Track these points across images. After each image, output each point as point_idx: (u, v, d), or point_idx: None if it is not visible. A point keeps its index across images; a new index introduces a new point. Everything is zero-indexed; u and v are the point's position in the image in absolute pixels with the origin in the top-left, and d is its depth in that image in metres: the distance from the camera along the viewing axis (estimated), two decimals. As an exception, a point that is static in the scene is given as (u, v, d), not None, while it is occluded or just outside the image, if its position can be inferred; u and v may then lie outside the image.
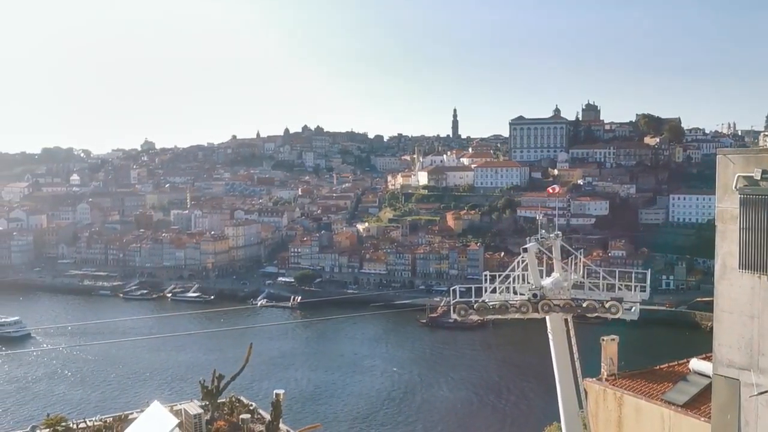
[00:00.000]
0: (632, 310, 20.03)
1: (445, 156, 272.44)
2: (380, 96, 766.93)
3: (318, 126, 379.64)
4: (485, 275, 21.36)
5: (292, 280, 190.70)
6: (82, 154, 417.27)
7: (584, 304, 19.96)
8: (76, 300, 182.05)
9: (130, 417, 22.93)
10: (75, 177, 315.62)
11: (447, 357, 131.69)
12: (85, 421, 23.18)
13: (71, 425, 22.46)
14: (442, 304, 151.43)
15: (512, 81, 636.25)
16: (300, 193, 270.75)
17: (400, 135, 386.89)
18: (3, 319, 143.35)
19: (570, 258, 22.21)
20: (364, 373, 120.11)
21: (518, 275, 20.94)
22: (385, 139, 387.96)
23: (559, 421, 22.56)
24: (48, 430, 22.03)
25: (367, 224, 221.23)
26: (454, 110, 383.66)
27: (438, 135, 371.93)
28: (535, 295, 20.28)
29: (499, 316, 20.63)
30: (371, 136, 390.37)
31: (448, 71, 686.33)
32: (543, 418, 30.36)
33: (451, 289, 22.29)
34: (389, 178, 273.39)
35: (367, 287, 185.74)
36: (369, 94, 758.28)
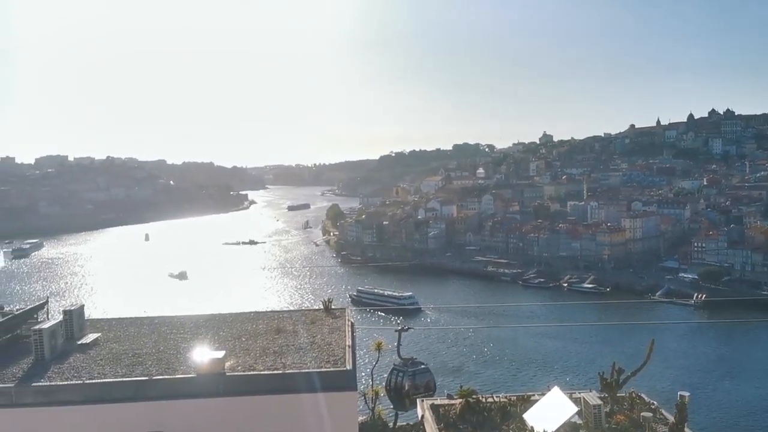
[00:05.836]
0: None
1: None
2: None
3: (728, 109, 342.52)
4: None
5: (695, 276, 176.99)
6: (486, 149, 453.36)
7: None
8: (478, 284, 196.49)
9: (532, 398, 24.37)
10: (480, 170, 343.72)
11: None
12: (492, 396, 25.35)
13: (480, 398, 24.78)
14: None
15: None
16: (705, 183, 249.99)
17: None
18: (399, 294, 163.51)
19: None
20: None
21: None
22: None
23: None
24: (461, 399, 24.70)
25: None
26: None
27: None
28: None
29: None
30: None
31: None
32: None
33: None
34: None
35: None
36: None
